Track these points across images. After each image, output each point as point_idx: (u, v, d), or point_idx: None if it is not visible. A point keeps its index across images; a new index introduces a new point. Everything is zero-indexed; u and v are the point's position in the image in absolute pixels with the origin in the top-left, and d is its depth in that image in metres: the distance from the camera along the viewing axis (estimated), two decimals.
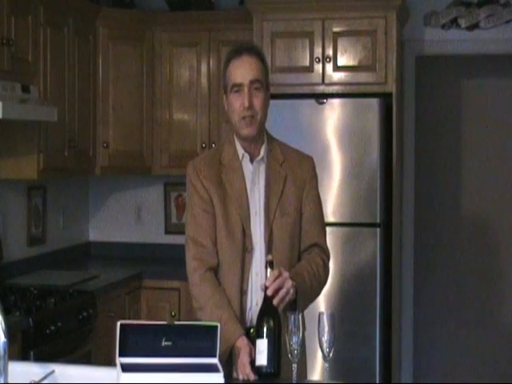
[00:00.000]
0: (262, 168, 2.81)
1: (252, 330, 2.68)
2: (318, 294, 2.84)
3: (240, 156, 2.81)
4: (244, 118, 2.72)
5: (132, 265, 5.05)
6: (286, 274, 2.56)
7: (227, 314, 2.66)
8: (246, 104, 2.70)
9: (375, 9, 4.55)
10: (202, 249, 2.76)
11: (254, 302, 2.73)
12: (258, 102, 2.72)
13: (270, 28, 4.66)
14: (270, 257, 2.56)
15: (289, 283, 2.56)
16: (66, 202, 5.19)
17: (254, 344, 2.52)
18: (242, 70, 2.72)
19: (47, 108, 4.08)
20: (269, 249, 2.74)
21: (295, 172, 2.83)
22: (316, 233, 2.84)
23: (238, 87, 2.72)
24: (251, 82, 2.71)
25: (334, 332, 2.34)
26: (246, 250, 2.75)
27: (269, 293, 2.51)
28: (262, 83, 2.75)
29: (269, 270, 2.53)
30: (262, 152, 2.81)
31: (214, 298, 2.70)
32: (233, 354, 2.61)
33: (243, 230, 2.75)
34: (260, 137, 2.81)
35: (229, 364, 2.60)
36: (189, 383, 2.14)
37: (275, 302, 2.52)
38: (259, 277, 2.73)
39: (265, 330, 2.44)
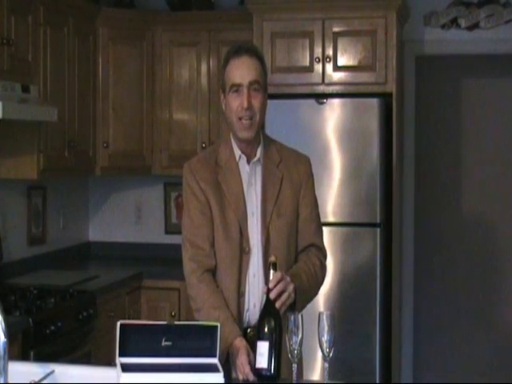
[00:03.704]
0: (259, 169, 2.80)
1: (249, 331, 2.68)
2: (315, 294, 2.83)
3: (237, 157, 2.80)
4: (241, 118, 2.71)
5: (132, 265, 5.04)
6: (288, 278, 2.56)
7: (224, 314, 2.65)
8: (245, 105, 2.69)
9: (375, 9, 4.55)
10: (199, 251, 2.75)
11: (252, 304, 2.73)
12: (256, 103, 2.71)
13: (270, 28, 4.66)
14: (273, 258, 2.53)
15: (291, 287, 2.56)
16: (66, 202, 5.19)
17: (251, 345, 2.52)
18: (241, 71, 2.71)
19: (47, 108, 4.08)
20: (266, 250, 2.73)
21: (292, 173, 2.82)
22: (313, 233, 2.83)
23: (236, 87, 2.71)
24: (250, 83, 2.70)
25: (334, 332, 2.33)
26: (243, 251, 2.74)
27: (272, 296, 2.49)
28: (261, 84, 2.73)
29: (271, 271, 2.51)
30: (259, 153, 2.80)
31: (211, 299, 2.69)
32: (230, 354, 2.60)
33: (240, 232, 2.74)
34: (257, 138, 2.80)
35: (227, 364, 2.59)
36: (189, 383, 2.14)
37: (278, 305, 2.50)
38: (256, 278, 2.73)
39: (266, 331, 2.42)
